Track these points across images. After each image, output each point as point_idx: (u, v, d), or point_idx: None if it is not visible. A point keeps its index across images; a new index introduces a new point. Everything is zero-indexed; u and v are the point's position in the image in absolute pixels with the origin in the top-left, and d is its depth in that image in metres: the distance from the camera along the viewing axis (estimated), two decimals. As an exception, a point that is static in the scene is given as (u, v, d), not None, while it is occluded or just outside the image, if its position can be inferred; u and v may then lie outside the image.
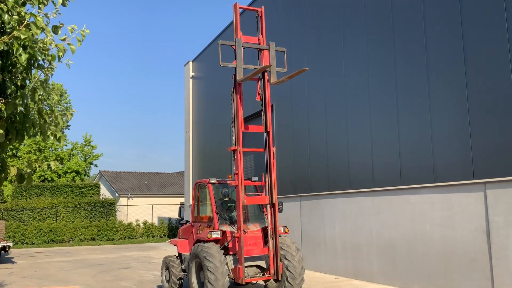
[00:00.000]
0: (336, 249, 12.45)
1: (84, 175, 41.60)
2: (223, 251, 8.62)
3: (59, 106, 38.99)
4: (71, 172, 39.36)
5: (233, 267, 8.74)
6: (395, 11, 10.91)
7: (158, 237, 29.14)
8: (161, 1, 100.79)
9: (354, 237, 11.79)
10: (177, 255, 10.80)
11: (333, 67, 13.00)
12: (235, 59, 8.71)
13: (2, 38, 3.39)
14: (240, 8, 9.10)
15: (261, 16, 9.29)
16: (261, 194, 9.64)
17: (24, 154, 37.14)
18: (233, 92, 8.89)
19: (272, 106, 15.25)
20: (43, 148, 38.33)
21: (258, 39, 9.23)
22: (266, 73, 8.92)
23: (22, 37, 3.38)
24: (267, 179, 8.87)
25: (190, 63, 24.64)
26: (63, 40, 4.31)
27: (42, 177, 37.73)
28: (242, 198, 8.57)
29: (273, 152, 8.86)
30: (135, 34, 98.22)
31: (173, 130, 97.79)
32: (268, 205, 8.85)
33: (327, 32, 13.33)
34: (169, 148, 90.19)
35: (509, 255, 8.06)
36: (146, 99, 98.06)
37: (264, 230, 9.22)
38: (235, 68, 8.70)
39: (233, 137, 8.89)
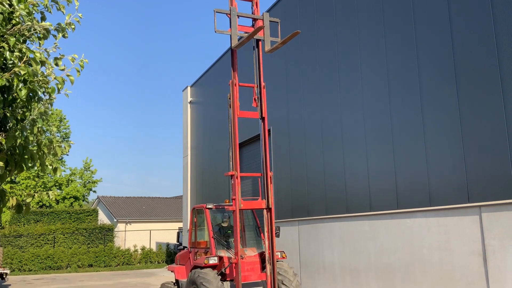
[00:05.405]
0: (335, 274, 12.40)
1: (83, 201, 41.46)
2: (220, 277, 8.61)
3: (59, 133, 39.16)
4: (69, 197, 39.26)
5: (230, 293, 8.71)
6: (388, 48, 11.16)
7: (156, 263, 28.89)
8: (160, 25, 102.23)
9: (353, 262, 11.77)
10: (174, 281, 10.76)
11: (329, 93, 13.19)
12: (230, 27, 8.64)
13: (3, 74, 3.51)
14: None
15: (256, 5, 9.29)
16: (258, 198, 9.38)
17: (22, 180, 37.11)
18: (229, 98, 8.77)
19: (269, 130, 15.38)
20: (42, 175, 38.31)
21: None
22: (260, 43, 8.92)
23: (22, 72, 3.50)
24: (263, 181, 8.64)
25: (188, 88, 24.90)
26: (62, 70, 4.41)
27: (40, 203, 37.61)
28: (239, 224, 8.58)
29: (271, 177, 8.80)
30: (134, 58, 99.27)
31: (172, 154, 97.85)
32: (264, 210, 8.60)
33: (324, 60, 13.57)
34: (168, 172, 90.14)
35: (505, 278, 8.07)
36: (144, 123, 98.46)
37: (262, 255, 9.21)
38: (230, 36, 8.60)
39: (231, 162, 8.90)
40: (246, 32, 8.96)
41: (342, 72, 12.70)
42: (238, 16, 8.83)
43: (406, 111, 10.52)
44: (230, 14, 8.73)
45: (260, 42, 9.00)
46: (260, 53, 8.97)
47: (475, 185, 8.80)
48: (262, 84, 8.83)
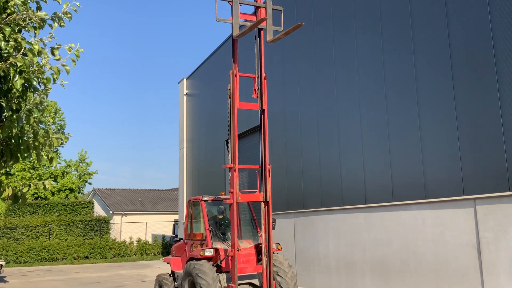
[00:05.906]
0: (330, 266, 12.47)
1: (78, 193, 41.41)
2: (215, 268, 8.63)
3: (54, 124, 39.01)
4: (65, 189, 39.20)
5: (226, 285, 8.73)
6: (385, 44, 11.14)
7: (152, 254, 28.94)
8: (156, 15, 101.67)
9: (348, 254, 11.83)
10: (170, 273, 10.78)
11: (326, 87, 13.18)
12: (232, 15, 8.41)
13: (-1, 65, 3.49)
14: None
15: None
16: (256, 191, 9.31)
17: (18, 171, 36.99)
18: (229, 89, 8.58)
19: (265, 123, 15.35)
20: (37, 166, 38.21)
21: None
22: (262, 32, 8.70)
23: (18, 64, 3.48)
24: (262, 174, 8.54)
25: (184, 80, 24.83)
26: (58, 60, 4.37)
27: (36, 195, 37.53)
28: (237, 217, 8.57)
29: (269, 170, 8.69)
30: (130, 49, 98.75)
31: (168, 146, 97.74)
32: (262, 203, 8.53)
33: (321, 54, 13.55)
34: (164, 164, 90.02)
35: (499, 270, 8.14)
36: (140, 115, 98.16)
37: (257, 247, 9.23)
38: (232, 24, 8.36)
39: (229, 155, 8.81)
40: (247, 20, 8.70)
41: (339, 67, 12.68)
42: (240, 3, 8.55)
43: (402, 105, 10.53)
44: (232, 2, 8.45)
45: (262, 32, 8.79)
46: (262, 43, 8.76)
47: (470, 178, 8.84)
48: (263, 74, 8.67)
